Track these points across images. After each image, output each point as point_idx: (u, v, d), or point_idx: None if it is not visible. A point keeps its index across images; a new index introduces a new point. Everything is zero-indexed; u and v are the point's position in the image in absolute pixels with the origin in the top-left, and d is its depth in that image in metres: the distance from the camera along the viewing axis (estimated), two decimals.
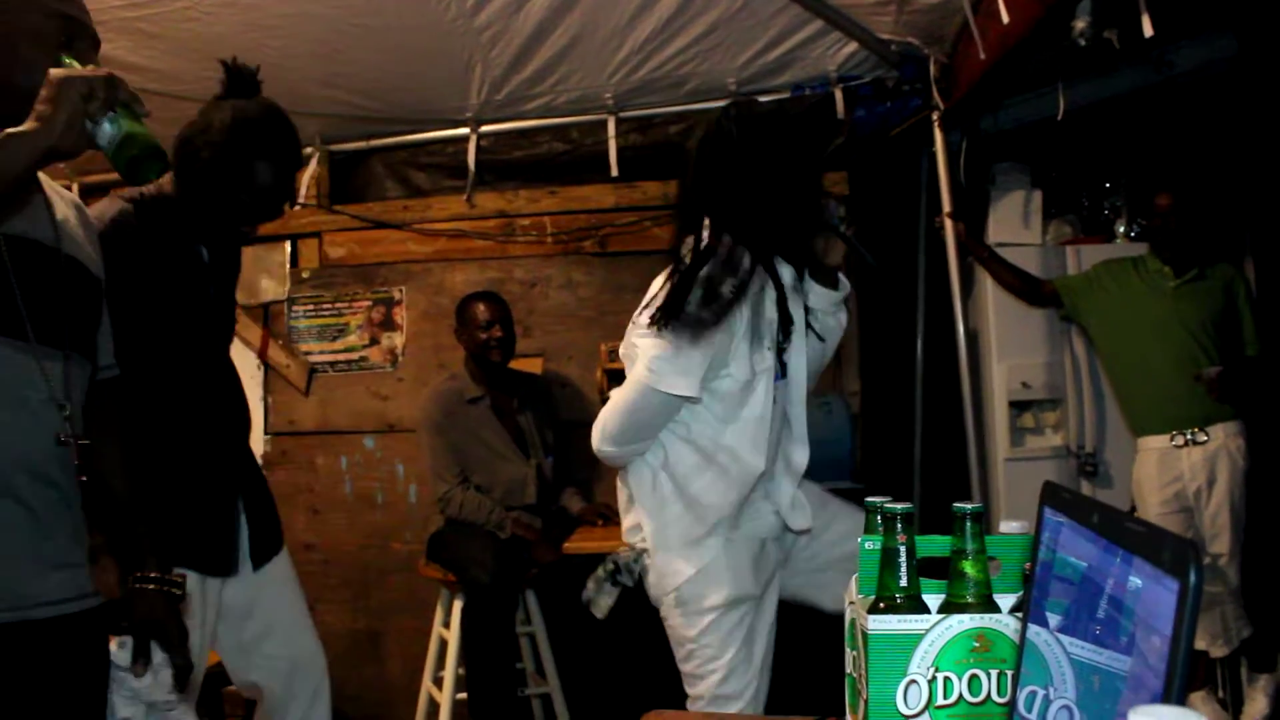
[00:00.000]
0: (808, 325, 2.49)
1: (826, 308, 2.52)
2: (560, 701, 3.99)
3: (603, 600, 2.61)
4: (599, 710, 4.05)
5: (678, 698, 2.56)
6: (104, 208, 2.23)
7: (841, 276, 2.53)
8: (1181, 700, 0.66)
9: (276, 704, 2.58)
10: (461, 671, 3.81)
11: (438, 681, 3.99)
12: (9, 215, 1.60)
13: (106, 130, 1.49)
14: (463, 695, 3.78)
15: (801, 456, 2.52)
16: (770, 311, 2.37)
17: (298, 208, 4.66)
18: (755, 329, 2.36)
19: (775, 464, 2.49)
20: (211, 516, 2.40)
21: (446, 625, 3.94)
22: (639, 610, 3.47)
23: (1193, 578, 0.66)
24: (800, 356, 2.47)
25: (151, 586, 1.79)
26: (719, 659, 2.42)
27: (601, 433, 2.49)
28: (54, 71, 1.46)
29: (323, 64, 3.83)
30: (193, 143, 2.31)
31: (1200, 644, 3.88)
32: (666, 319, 2.28)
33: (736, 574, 2.42)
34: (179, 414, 2.35)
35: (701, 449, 2.43)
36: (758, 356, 2.36)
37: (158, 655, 1.77)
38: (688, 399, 2.35)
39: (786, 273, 2.44)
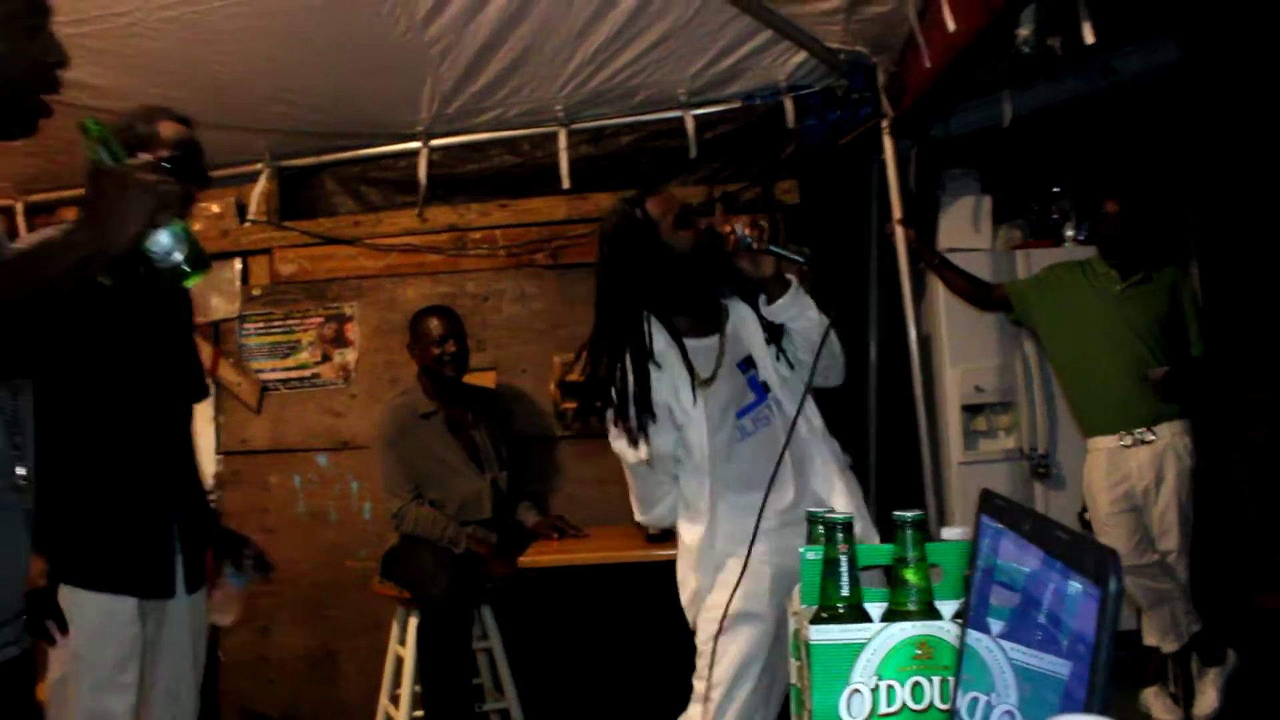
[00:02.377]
0: (776, 345, 2.62)
1: (792, 314, 2.58)
2: (519, 716, 3.96)
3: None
4: None
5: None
6: (48, 232, 2.18)
7: (789, 277, 2.59)
8: (1104, 708, 0.66)
9: None
10: (418, 689, 3.78)
11: (395, 699, 3.95)
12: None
13: (163, 241, 1.42)
14: (420, 713, 3.75)
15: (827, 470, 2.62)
16: (676, 365, 2.55)
17: (248, 224, 4.62)
18: (671, 387, 2.54)
19: (803, 480, 2.59)
20: (146, 540, 2.40)
21: (403, 643, 3.91)
22: (595, 624, 3.47)
23: (1113, 586, 0.67)
24: (773, 374, 2.60)
25: None
26: (716, 667, 2.46)
27: (637, 511, 2.74)
28: (120, 169, 1.37)
29: (271, 79, 3.80)
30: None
31: (1151, 640, 3.92)
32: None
33: (749, 593, 2.44)
34: (120, 438, 2.36)
35: (684, 499, 2.62)
36: (678, 410, 2.53)
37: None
38: (648, 462, 2.57)
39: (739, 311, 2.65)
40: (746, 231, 2.51)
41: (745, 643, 2.47)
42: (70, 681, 2.26)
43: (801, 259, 2.53)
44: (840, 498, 2.54)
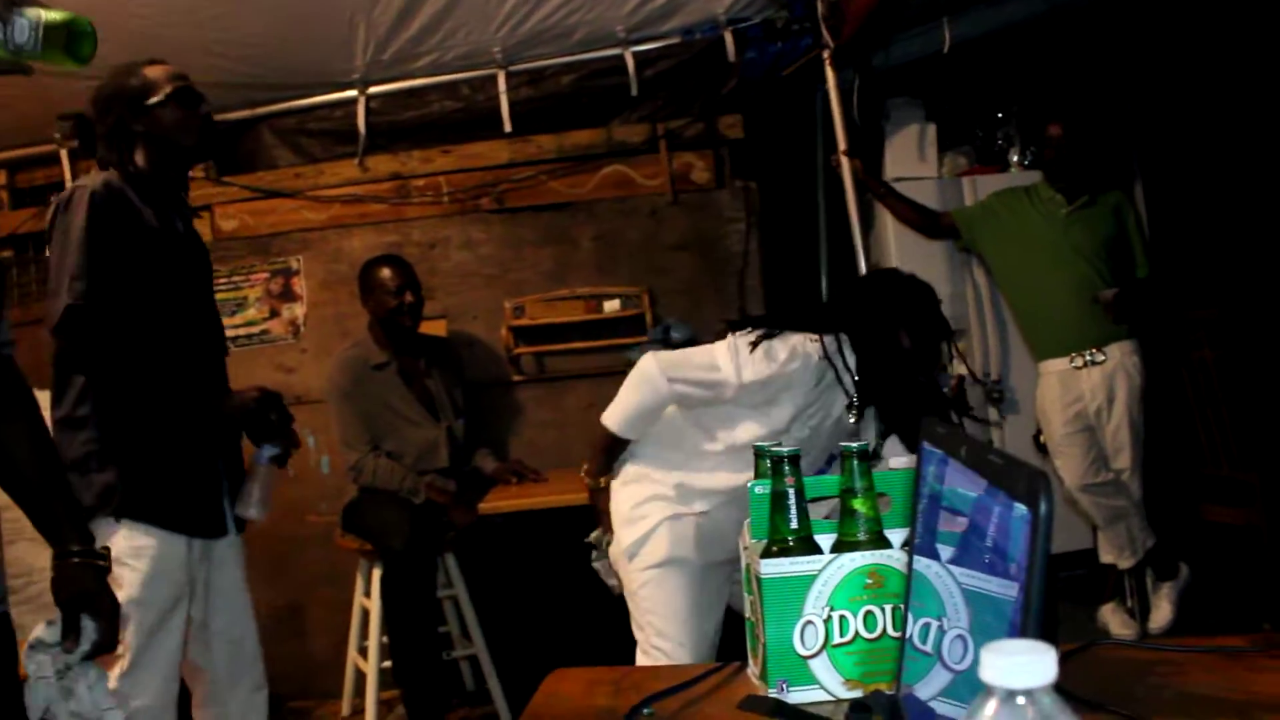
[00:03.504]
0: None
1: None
2: (487, 661, 3.98)
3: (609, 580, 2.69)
4: (528, 667, 4.05)
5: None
6: (93, 178, 2.36)
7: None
8: (1040, 629, 0.67)
9: (218, 690, 2.57)
10: (385, 640, 3.79)
11: (363, 651, 3.96)
12: None
13: (23, 26, 1.39)
14: (388, 663, 3.76)
15: None
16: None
17: None
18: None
19: None
20: (198, 479, 2.46)
21: (368, 594, 3.91)
22: (559, 567, 3.49)
23: (1043, 507, 0.67)
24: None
25: (76, 560, 1.74)
26: (654, 613, 2.48)
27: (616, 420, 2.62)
28: None
29: (198, 30, 3.71)
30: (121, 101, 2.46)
31: (1108, 557, 4.00)
32: None
33: (677, 538, 2.48)
34: (169, 376, 2.39)
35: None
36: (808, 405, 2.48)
37: (89, 629, 1.73)
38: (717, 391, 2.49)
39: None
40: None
41: (675, 589, 2.48)
42: (123, 623, 2.26)
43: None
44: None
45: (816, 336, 2.43)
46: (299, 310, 4.57)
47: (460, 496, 3.93)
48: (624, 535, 2.53)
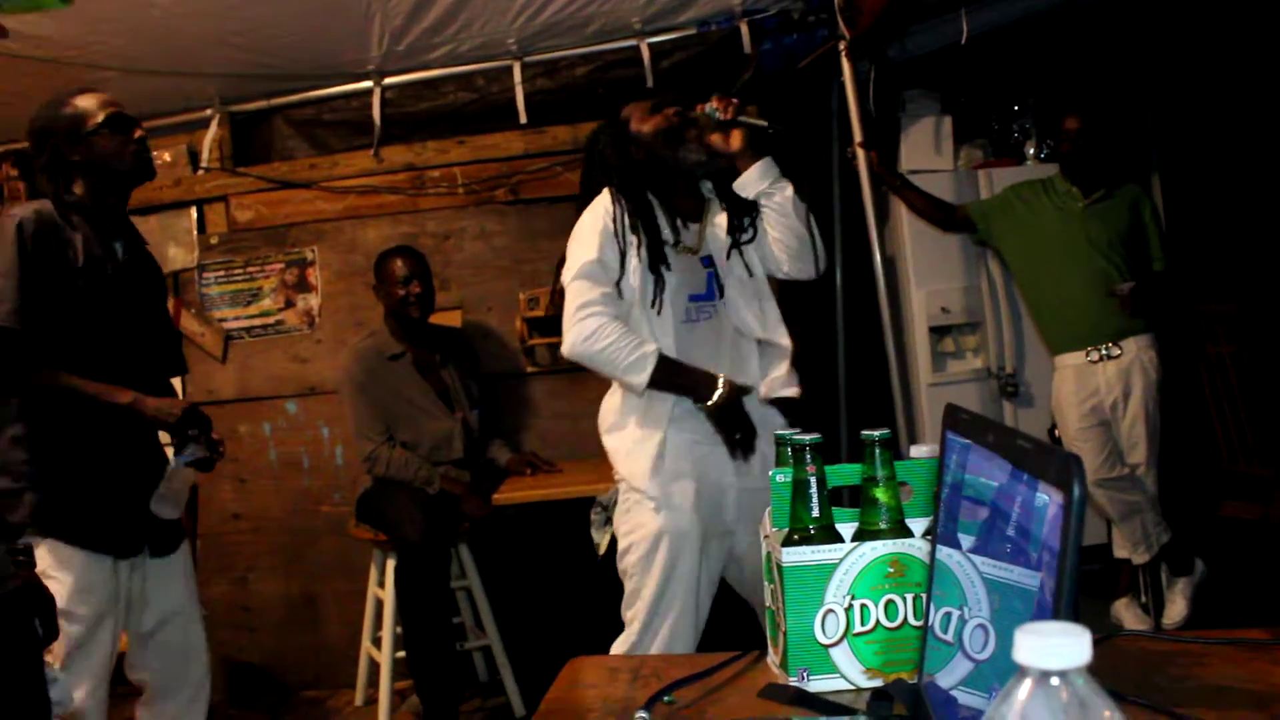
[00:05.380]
0: (738, 249, 2.65)
1: (764, 186, 2.60)
2: (501, 652, 3.99)
3: (601, 539, 2.78)
4: (541, 658, 4.06)
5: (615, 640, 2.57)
6: (25, 206, 2.46)
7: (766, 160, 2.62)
8: (1072, 613, 0.66)
9: (160, 693, 2.71)
10: (399, 630, 3.80)
11: (376, 642, 3.97)
12: None
13: None
14: (402, 654, 3.77)
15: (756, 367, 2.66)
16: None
17: (201, 172, 4.54)
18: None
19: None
20: (116, 500, 2.55)
21: (381, 585, 3.92)
22: (573, 558, 3.49)
23: (1076, 490, 0.66)
24: (731, 276, 2.63)
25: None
26: (643, 588, 2.50)
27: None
28: None
29: (214, 21, 3.72)
30: (55, 133, 2.54)
31: (1122, 552, 3.98)
32: None
33: (672, 510, 2.48)
34: (92, 406, 2.49)
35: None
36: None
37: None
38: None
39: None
40: (714, 104, 2.56)
41: (669, 565, 2.49)
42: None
43: (766, 124, 2.57)
44: (789, 390, 2.62)
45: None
46: (314, 301, 4.58)
47: (474, 488, 3.94)
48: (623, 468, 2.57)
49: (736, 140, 2.56)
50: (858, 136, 3.96)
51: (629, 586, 2.55)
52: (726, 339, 2.62)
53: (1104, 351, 3.90)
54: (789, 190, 2.61)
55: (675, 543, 2.48)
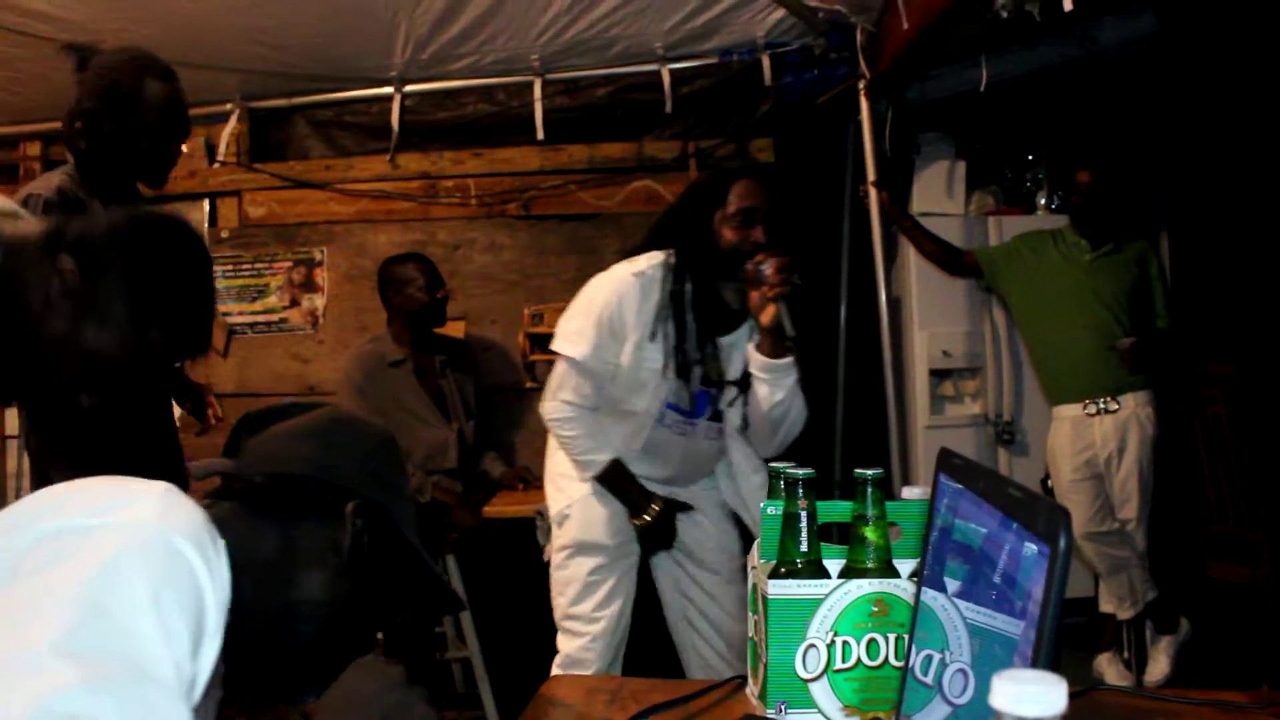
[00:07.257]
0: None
1: (772, 378, 2.54)
2: (480, 665, 3.97)
3: (546, 544, 2.91)
4: (519, 673, 4.04)
5: None
6: (47, 180, 2.41)
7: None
8: (1051, 663, 0.67)
9: None
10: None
11: None
12: None
13: None
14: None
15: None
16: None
17: (216, 165, 4.56)
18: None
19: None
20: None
21: None
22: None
23: (1062, 542, 0.67)
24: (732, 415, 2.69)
25: None
26: (564, 594, 2.76)
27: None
28: None
29: (241, 17, 3.74)
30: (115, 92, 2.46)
31: (1108, 607, 3.98)
32: None
33: (586, 521, 2.70)
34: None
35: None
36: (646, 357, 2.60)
37: None
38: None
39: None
40: (770, 269, 2.41)
41: (586, 574, 2.70)
42: None
43: (792, 333, 2.44)
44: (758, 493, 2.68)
45: None
46: (319, 301, 4.59)
47: (466, 498, 3.93)
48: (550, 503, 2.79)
49: (768, 315, 2.45)
50: (871, 175, 3.98)
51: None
52: (695, 445, 2.71)
53: (1102, 405, 3.91)
54: (791, 386, 2.56)
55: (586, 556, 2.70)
